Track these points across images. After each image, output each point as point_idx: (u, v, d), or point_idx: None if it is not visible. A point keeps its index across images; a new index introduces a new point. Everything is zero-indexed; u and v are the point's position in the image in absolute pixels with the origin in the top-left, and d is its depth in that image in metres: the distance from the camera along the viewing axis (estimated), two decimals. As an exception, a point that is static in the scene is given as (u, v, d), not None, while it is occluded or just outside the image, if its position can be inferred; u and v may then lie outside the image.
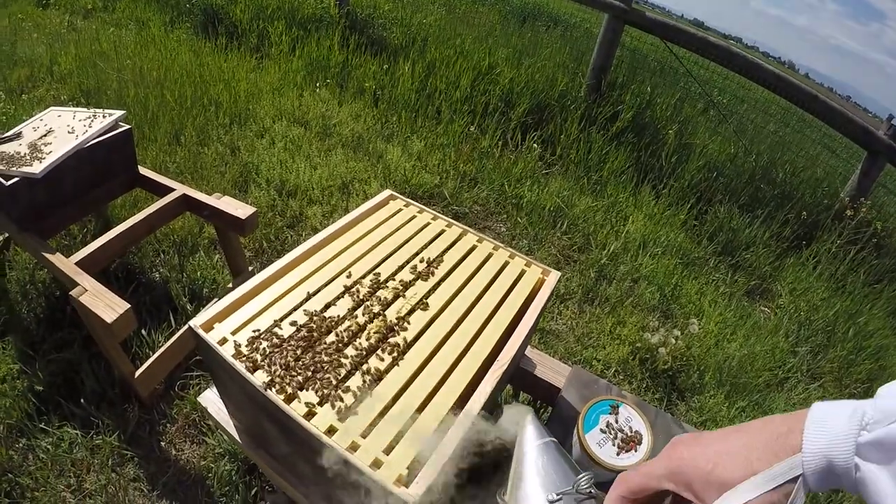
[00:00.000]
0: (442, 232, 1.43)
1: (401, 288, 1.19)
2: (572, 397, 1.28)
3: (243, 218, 2.02)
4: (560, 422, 1.21)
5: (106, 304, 1.64)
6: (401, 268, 1.25)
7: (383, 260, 1.27)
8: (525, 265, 1.36)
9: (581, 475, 0.95)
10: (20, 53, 3.69)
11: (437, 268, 1.27)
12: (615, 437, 1.06)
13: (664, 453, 0.54)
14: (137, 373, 1.83)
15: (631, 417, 1.09)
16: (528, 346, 1.46)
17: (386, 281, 1.20)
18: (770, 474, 0.46)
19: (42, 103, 3.21)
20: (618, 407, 1.11)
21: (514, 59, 4.55)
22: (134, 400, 1.89)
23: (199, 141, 3.13)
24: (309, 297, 1.13)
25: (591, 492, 0.95)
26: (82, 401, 1.82)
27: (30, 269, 2.25)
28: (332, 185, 3.05)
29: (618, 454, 1.04)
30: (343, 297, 1.14)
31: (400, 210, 1.50)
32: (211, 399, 1.41)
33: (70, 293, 1.67)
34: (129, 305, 1.63)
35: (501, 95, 4.14)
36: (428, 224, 1.45)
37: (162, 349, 1.92)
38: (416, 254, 1.32)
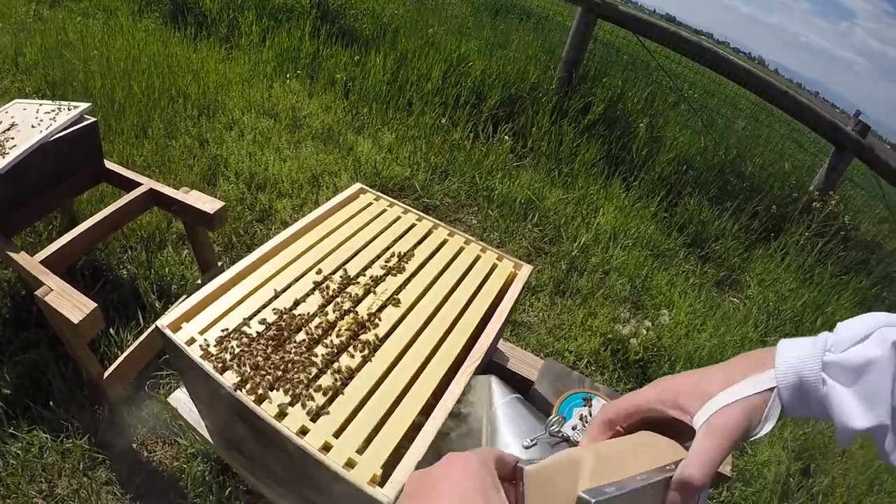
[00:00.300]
0: (413, 226, 1.43)
1: (371, 284, 1.18)
2: (545, 390, 1.28)
3: (211, 213, 1.99)
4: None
5: (72, 304, 1.60)
6: (371, 263, 1.25)
7: (353, 255, 1.27)
8: (497, 259, 1.37)
9: (551, 419, 0.97)
10: (-19, 45, 3.58)
11: (407, 262, 1.27)
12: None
13: (650, 384, 0.57)
14: (106, 373, 1.80)
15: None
16: (501, 339, 1.47)
17: (356, 277, 1.20)
18: (748, 382, 0.51)
19: (7, 95, 3.12)
20: (591, 399, 1.12)
21: (486, 52, 4.55)
22: (103, 401, 1.86)
23: (166, 133, 3.07)
24: (277, 294, 1.12)
25: (562, 434, 0.97)
26: (51, 403, 1.79)
27: (-5, 268, 2.20)
28: (301, 178, 3.02)
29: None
30: (313, 293, 1.14)
31: (370, 204, 1.49)
32: (181, 399, 1.39)
33: (35, 293, 1.63)
34: (95, 305, 1.60)
35: (473, 87, 4.14)
36: (399, 218, 1.45)
37: (130, 348, 1.88)
38: (387, 248, 1.31)
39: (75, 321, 1.55)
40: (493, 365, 1.37)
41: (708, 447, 0.49)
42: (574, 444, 0.96)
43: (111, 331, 2.01)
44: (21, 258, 1.76)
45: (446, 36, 4.71)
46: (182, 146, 3.01)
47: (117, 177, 2.18)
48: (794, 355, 0.50)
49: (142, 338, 1.91)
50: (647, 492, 0.48)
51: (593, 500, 0.43)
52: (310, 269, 1.20)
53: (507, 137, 3.89)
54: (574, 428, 1.05)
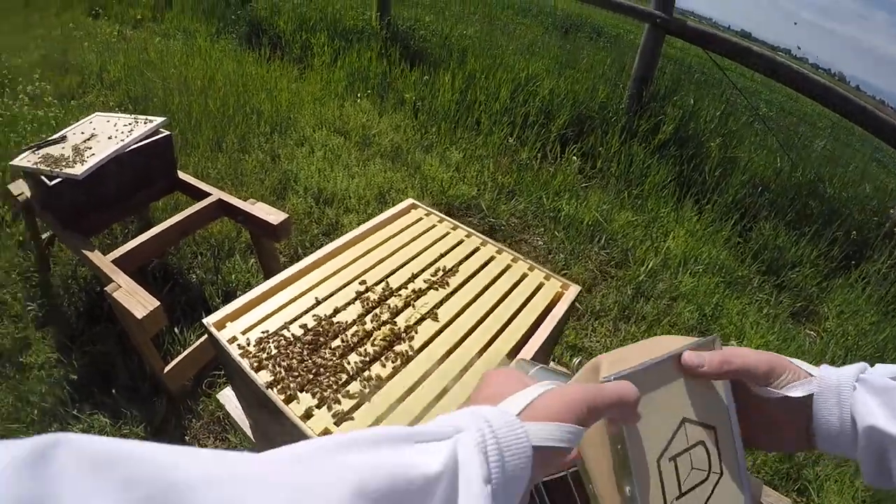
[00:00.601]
0: (460, 242, 1.42)
1: (413, 297, 1.19)
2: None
3: (275, 224, 2.07)
4: None
5: (138, 301, 1.70)
6: (415, 277, 1.25)
7: (398, 268, 1.28)
8: (544, 278, 1.34)
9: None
10: (72, 61, 3.87)
11: (451, 278, 1.27)
12: None
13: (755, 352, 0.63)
14: (167, 368, 1.89)
15: None
16: (553, 363, 1.43)
17: (398, 289, 1.21)
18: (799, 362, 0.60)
19: (92, 109, 3.35)
20: None
21: (555, 71, 4.53)
22: (162, 394, 1.95)
23: (240, 148, 3.22)
24: (319, 302, 1.14)
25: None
26: (114, 391, 1.89)
27: (72, 265, 2.35)
28: (368, 195, 3.09)
29: None
30: (354, 303, 1.15)
31: (420, 219, 1.50)
32: (229, 396, 1.43)
33: (105, 289, 1.74)
34: (159, 303, 1.69)
35: (541, 107, 4.12)
36: (447, 234, 1.45)
37: (192, 347, 1.97)
38: (432, 263, 1.31)
39: (139, 316, 1.64)
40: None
41: (728, 349, 0.59)
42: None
43: (175, 330, 2.11)
44: (95, 256, 1.87)
45: (515, 55, 4.73)
46: (254, 161, 3.14)
47: (189, 187, 2.30)
48: (836, 374, 0.58)
49: (203, 338, 2.00)
50: (663, 367, 0.56)
51: (612, 377, 0.50)
52: (354, 280, 1.22)
53: (574, 158, 3.85)
54: None
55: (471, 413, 0.41)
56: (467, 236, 1.46)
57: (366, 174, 3.26)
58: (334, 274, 1.23)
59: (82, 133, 2.17)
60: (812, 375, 0.58)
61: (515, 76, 4.32)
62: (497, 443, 0.38)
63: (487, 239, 1.45)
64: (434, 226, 1.48)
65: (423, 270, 1.28)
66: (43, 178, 1.93)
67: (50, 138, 2.14)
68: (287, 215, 2.10)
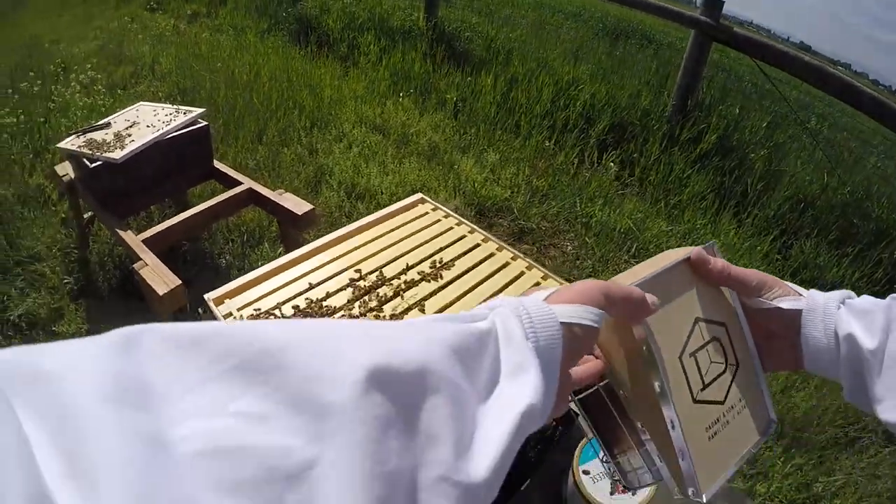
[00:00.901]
0: (462, 238, 1.45)
1: (403, 287, 1.22)
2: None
3: (299, 214, 2.14)
4: (568, 450, 1.06)
5: (161, 279, 1.79)
6: (409, 268, 1.29)
7: (395, 259, 1.31)
8: (542, 277, 1.36)
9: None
10: (126, 52, 4.06)
11: (445, 271, 1.29)
12: (612, 475, 0.95)
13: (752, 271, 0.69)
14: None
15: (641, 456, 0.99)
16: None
17: (391, 279, 1.24)
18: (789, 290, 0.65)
19: (142, 99, 3.51)
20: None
21: (599, 76, 4.50)
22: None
23: (280, 141, 3.32)
24: (312, 286, 1.19)
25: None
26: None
27: (109, 244, 2.47)
28: (401, 192, 3.13)
29: (612, 493, 0.94)
30: (346, 289, 1.19)
31: (426, 213, 1.53)
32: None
33: (134, 266, 1.84)
34: (180, 282, 1.77)
35: (582, 112, 4.10)
36: (451, 229, 1.48)
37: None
38: (429, 256, 1.34)
39: (160, 293, 1.74)
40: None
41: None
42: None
43: (199, 310, 2.20)
44: (127, 236, 1.98)
45: (559, 59, 4.71)
46: (292, 154, 3.24)
47: (223, 176, 2.39)
48: (822, 296, 0.63)
49: (226, 321, 2.08)
50: (673, 273, 0.61)
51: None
52: (349, 267, 1.26)
53: (612, 164, 3.81)
54: (602, 464, 0.96)
55: (501, 299, 0.46)
56: (470, 232, 1.48)
57: (400, 171, 3.31)
58: (332, 261, 1.27)
59: (126, 120, 2.29)
60: (801, 295, 0.64)
61: (558, 80, 4.31)
62: (530, 316, 0.43)
63: (490, 236, 1.47)
64: (439, 220, 1.51)
65: (419, 262, 1.31)
66: (85, 160, 2.05)
67: (95, 124, 2.26)
68: (311, 206, 2.16)
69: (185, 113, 2.30)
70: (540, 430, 1.77)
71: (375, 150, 3.47)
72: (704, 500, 0.59)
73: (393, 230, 1.43)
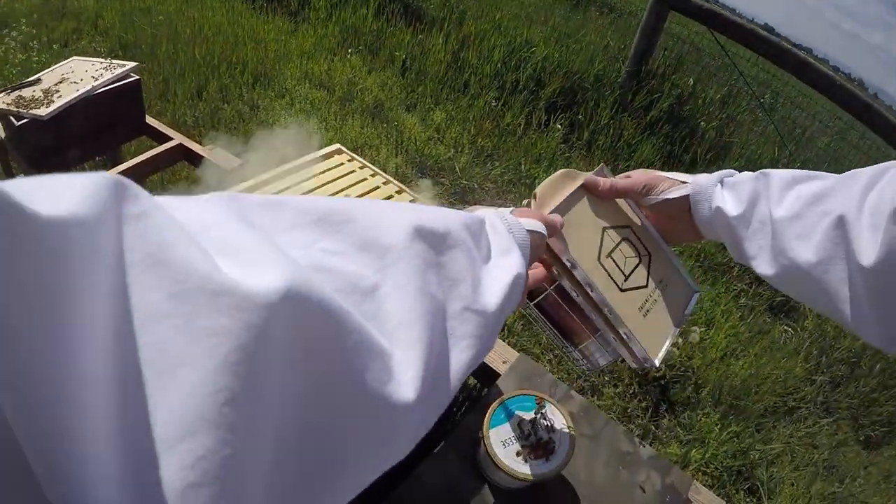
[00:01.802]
0: (375, 188, 1.49)
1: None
2: (508, 387, 1.18)
3: (227, 169, 2.16)
4: (482, 411, 1.05)
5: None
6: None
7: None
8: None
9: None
10: (69, 7, 3.93)
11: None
12: (526, 440, 0.96)
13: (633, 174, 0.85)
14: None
15: (553, 422, 0.99)
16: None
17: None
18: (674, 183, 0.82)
19: (83, 54, 3.42)
20: (543, 407, 1.00)
21: (553, 39, 4.50)
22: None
23: (221, 97, 3.28)
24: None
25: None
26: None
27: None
28: (341, 150, 3.15)
29: (521, 457, 0.94)
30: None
31: (341, 164, 1.56)
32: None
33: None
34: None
35: (532, 73, 4.11)
36: (364, 180, 1.51)
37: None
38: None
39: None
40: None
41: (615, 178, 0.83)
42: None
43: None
44: (52, 195, 1.99)
45: (514, 21, 4.70)
46: (233, 110, 3.21)
47: (154, 131, 2.38)
48: (706, 176, 0.80)
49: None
50: (575, 196, 0.77)
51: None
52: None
53: (559, 126, 3.85)
54: (514, 430, 0.98)
55: (481, 209, 0.63)
56: (385, 183, 1.50)
57: (342, 129, 3.31)
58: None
59: (57, 76, 2.26)
60: (686, 182, 0.78)
61: (511, 41, 4.31)
62: (507, 221, 0.59)
63: (403, 187, 1.51)
64: (353, 171, 1.53)
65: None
66: (12, 118, 2.03)
67: (25, 81, 2.23)
68: (240, 161, 2.18)
69: (117, 68, 2.28)
70: (465, 387, 1.86)
71: (318, 106, 3.45)
72: (658, 364, 0.74)
73: (305, 181, 1.45)
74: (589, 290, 0.72)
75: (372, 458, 0.38)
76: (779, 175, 0.73)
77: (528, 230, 0.60)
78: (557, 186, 0.76)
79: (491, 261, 0.53)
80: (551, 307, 0.77)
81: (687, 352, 2.50)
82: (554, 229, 0.68)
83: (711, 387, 2.41)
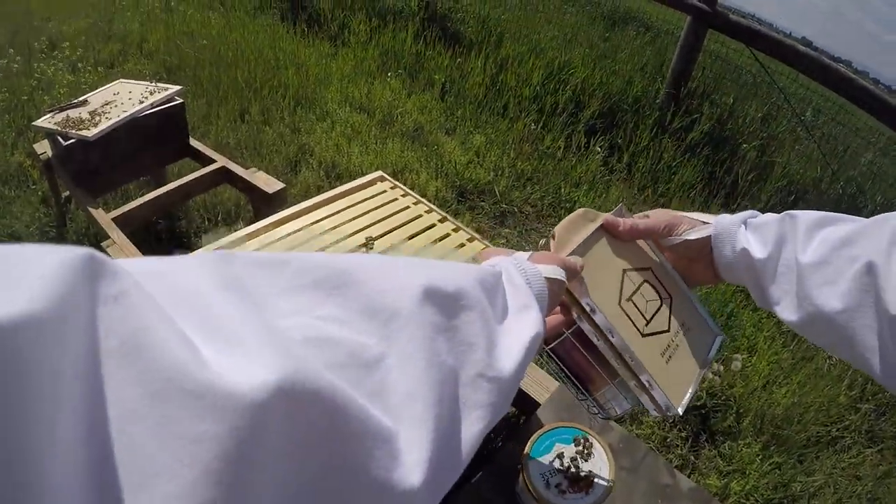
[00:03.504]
0: (417, 217, 1.46)
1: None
2: (548, 417, 1.17)
3: (270, 192, 2.15)
4: (522, 441, 1.03)
5: (126, 256, 1.81)
6: (356, 250, 1.30)
7: (342, 240, 1.32)
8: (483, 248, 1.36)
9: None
10: (115, 30, 4.04)
11: (389, 252, 1.31)
12: (565, 472, 0.94)
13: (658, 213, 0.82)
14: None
15: (593, 454, 0.97)
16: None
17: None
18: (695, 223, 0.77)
19: (129, 76, 3.50)
20: (583, 439, 0.99)
21: (591, 61, 4.47)
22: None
23: (262, 120, 3.31)
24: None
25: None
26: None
27: (86, 222, 2.49)
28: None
29: (560, 490, 0.92)
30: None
31: (384, 192, 1.54)
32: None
33: (102, 243, 1.86)
34: (143, 260, 1.80)
35: (571, 96, 4.07)
36: (407, 208, 1.49)
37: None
38: (383, 236, 1.35)
39: (123, 273, 1.75)
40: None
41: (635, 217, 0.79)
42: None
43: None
44: (97, 213, 1.99)
45: (552, 42, 4.68)
46: (275, 133, 3.23)
47: (198, 154, 2.40)
48: (728, 216, 0.75)
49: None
50: (594, 237, 0.74)
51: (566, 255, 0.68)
52: (298, 247, 1.27)
53: (599, 149, 3.79)
54: (553, 462, 0.95)
55: (498, 257, 0.61)
56: (427, 212, 1.49)
57: (382, 152, 3.31)
58: (280, 239, 1.28)
59: (104, 98, 2.29)
60: (708, 223, 0.75)
61: (549, 63, 4.28)
62: (524, 270, 0.57)
63: (446, 215, 1.48)
64: (396, 199, 1.52)
65: (364, 245, 1.32)
66: (59, 138, 2.06)
67: (73, 101, 2.27)
68: (283, 185, 2.17)
69: (161, 90, 2.31)
70: (504, 417, 1.80)
71: (359, 129, 3.46)
72: (681, 413, 0.70)
73: (346, 209, 1.43)
74: (610, 336, 0.68)
75: None
76: (805, 217, 0.69)
77: (546, 277, 0.58)
78: (576, 227, 0.74)
79: (507, 319, 0.51)
80: (567, 352, 0.74)
81: (729, 380, 2.42)
82: (574, 272, 0.65)
83: (753, 416, 2.32)
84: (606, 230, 0.77)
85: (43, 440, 0.21)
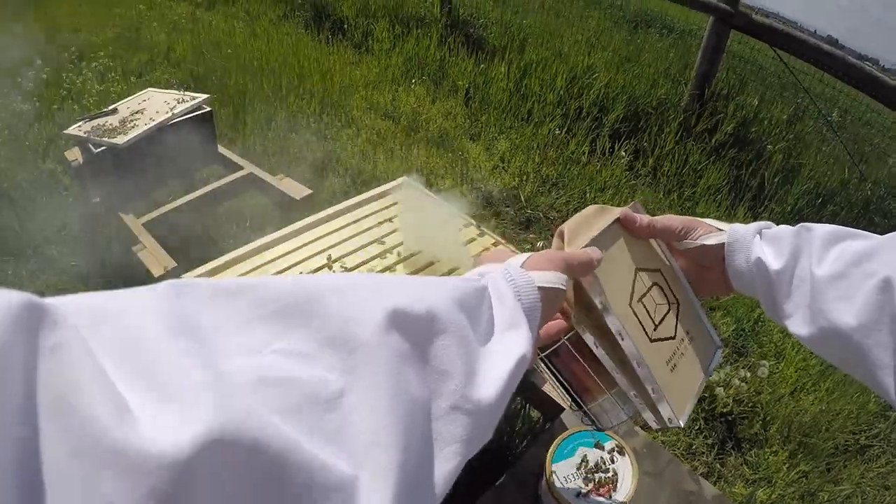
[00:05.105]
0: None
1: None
2: (572, 421, 1.18)
3: (297, 199, 2.18)
4: (545, 445, 1.05)
5: (157, 261, 1.85)
6: (379, 256, 1.31)
7: (367, 244, 1.33)
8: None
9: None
10: (143, 40, 4.13)
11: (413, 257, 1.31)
12: (589, 477, 0.95)
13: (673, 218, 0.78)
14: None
15: (617, 459, 0.98)
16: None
17: (357, 267, 1.26)
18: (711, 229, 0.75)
19: (157, 85, 3.57)
20: (606, 444, 0.99)
21: (614, 64, 4.44)
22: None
23: (289, 127, 3.36)
24: (281, 271, 1.22)
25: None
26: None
27: (116, 227, 2.53)
28: (407, 179, 3.15)
29: (583, 494, 0.93)
30: (312, 274, 1.21)
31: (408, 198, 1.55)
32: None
33: (133, 248, 1.90)
34: (175, 264, 1.84)
35: (595, 100, 4.05)
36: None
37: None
38: (402, 243, 1.36)
39: (156, 274, 1.80)
40: (529, 384, 1.30)
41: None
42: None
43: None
44: (128, 219, 2.05)
45: (575, 46, 4.66)
46: (301, 140, 3.27)
47: (226, 160, 2.44)
48: (742, 228, 0.73)
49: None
50: (609, 231, 0.69)
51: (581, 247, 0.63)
52: (319, 253, 1.28)
53: (624, 153, 3.77)
54: (576, 465, 0.96)
55: (487, 266, 0.56)
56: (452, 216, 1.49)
57: (408, 158, 3.33)
58: (304, 245, 1.30)
59: (133, 106, 2.34)
60: (723, 230, 0.73)
61: (573, 67, 4.27)
62: (515, 282, 0.51)
63: (471, 221, 1.48)
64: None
65: (389, 250, 1.33)
66: (90, 146, 2.11)
67: (103, 110, 2.32)
68: (310, 191, 2.20)
69: (190, 99, 2.35)
70: (528, 421, 1.78)
71: (384, 136, 3.49)
72: (682, 425, 0.66)
73: (371, 214, 1.44)
74: (620, 340, 0.64)
75: None
76: (821, 230, 0.68)
77: (540, 287, 0.52)
78: (589, 221, 0.69)
79: (492, 339, 0.47)
80: (562, 361, 0.69)
81: (756, 387, 2.38)
82: (588, 266, 0.59)
83: (780, 423, 2.29)
84: (622, 225, 0.73)
85: None
